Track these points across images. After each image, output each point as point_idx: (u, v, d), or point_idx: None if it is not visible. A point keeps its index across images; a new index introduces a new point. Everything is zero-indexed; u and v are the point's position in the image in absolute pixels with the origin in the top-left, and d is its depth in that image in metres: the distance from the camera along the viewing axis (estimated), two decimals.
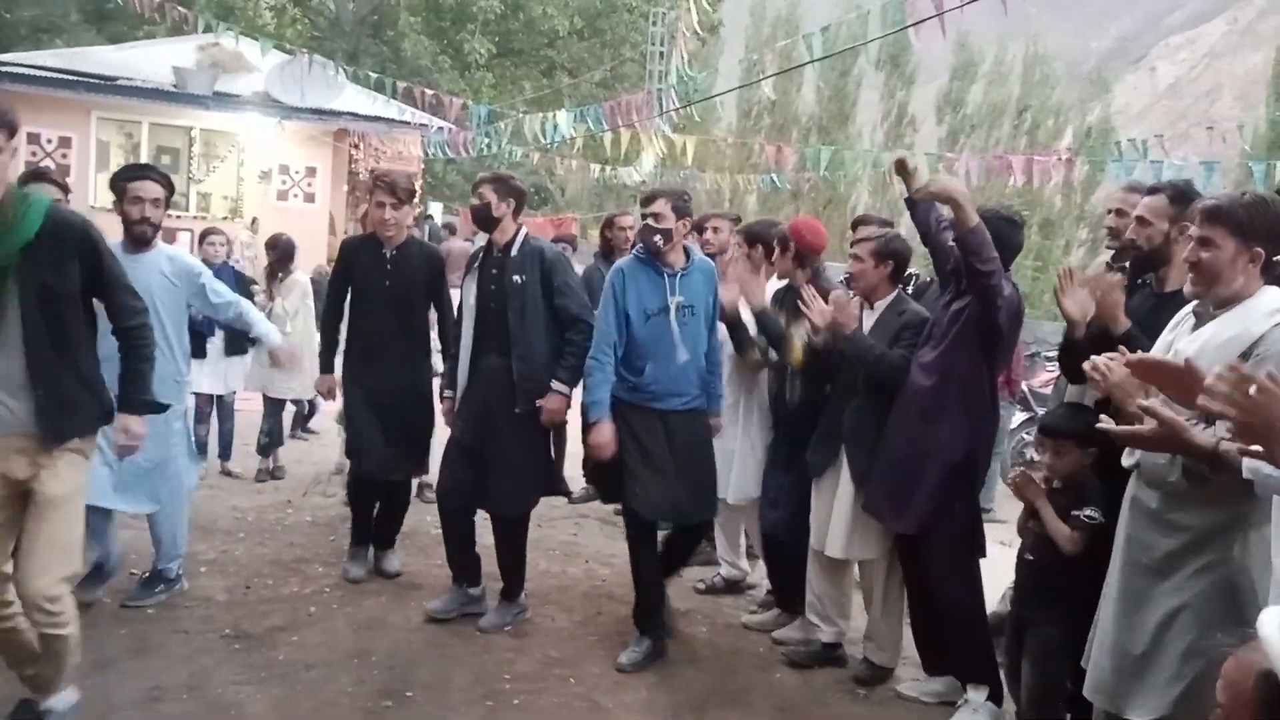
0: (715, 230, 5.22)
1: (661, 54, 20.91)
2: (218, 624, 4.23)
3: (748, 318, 4.55)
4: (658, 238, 4.10)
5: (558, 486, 4.87)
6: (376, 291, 4.76)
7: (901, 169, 3.93)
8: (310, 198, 14.50)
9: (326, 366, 5.04)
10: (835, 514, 4.04)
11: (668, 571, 4.46)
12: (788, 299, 4.39)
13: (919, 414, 3.77)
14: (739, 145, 21.92)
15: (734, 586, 5.11)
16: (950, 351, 3.73)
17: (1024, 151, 23.42)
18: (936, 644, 4.00)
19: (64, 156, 12.47)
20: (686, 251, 4.25)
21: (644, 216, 4.18)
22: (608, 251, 6.58)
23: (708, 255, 4.63)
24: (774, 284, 4.71)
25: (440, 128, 14.00)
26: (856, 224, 4.32)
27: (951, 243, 3.78)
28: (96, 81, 12.41)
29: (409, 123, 14.10)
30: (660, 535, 4.34)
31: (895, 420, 3.87)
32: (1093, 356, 2.58)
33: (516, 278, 4.29)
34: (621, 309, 4.11)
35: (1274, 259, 2.58)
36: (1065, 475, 3.30)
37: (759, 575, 5.06)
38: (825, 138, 27.43)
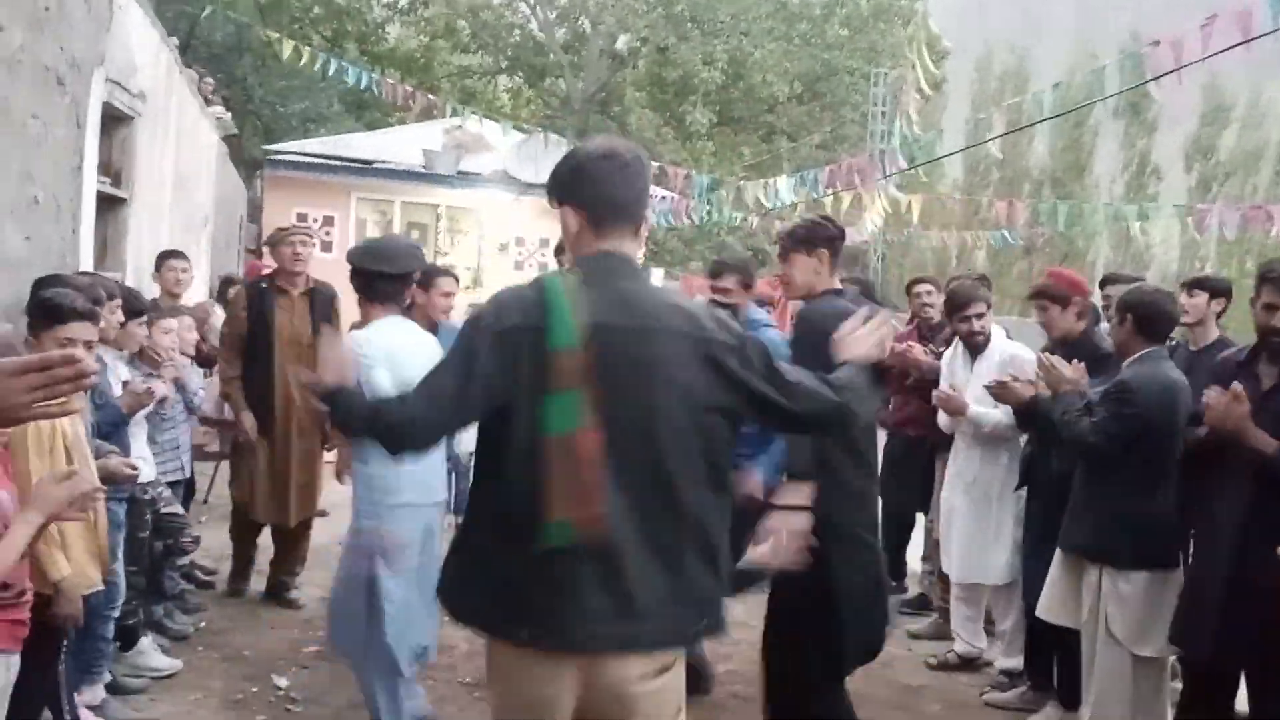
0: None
1: (883, 113, 20.72)
2: (459, 673, 4.47)
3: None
4: None
5: None
6: None
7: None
8: (544, 267, 15.23)
9: None
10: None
11: None
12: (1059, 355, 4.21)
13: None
14: (966, 201, 21.24)
15: (969, 664, 4.89)
16: None
17: None
18: None
19: (327, 234, 13.66)
20: None
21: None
22: None
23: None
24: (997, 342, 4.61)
25: (663, 197, 14.42)
26: (1104, 283, 4.13)
27: None
28: (356, 165, 13.58)
29: None
30: None
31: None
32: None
33: None
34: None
35: None
36: None
37: (995, 652, 4.82)
38: (1059, 190, 26.26)
